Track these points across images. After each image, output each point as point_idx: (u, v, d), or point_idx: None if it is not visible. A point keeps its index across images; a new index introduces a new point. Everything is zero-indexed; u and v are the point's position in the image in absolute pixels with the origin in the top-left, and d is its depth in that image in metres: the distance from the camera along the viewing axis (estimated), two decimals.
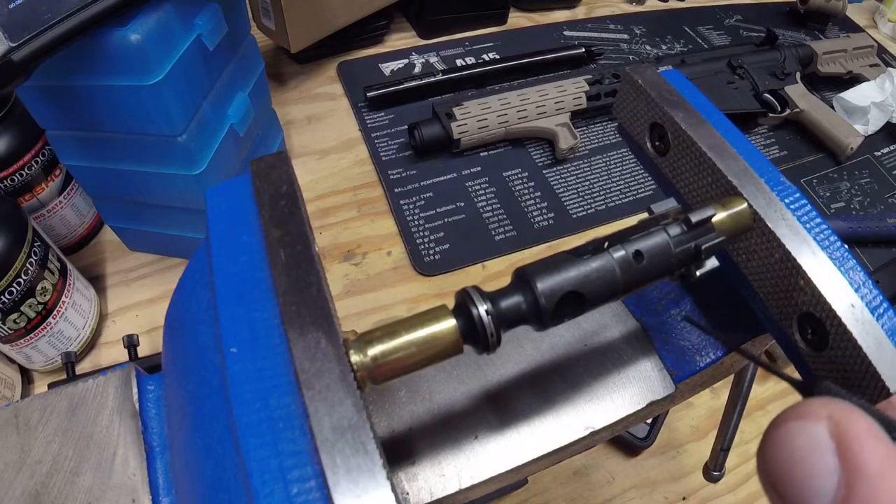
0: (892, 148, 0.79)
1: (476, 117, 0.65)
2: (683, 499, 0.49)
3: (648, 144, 0.26)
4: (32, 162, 0.47)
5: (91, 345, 0.50)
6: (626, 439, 0.49)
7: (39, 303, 0.43)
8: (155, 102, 0.39)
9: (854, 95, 0.79)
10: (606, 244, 0.19)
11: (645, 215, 0.21)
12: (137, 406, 0.23)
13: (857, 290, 0.20)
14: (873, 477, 0.10)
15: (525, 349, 0.27)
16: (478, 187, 0.65)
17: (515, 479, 0.25)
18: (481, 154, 0.69)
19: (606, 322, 0.28)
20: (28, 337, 0.44)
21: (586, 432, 0.25)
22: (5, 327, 0.42)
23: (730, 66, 0.76)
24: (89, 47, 0.36)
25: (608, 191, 0.68)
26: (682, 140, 0.24)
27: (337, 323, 0.16)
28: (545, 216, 0.64)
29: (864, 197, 0.72)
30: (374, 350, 0.17)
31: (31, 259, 0.42)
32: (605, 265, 0.18)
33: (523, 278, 0.18)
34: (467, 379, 0.25)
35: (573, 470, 0.49)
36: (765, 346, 0.28)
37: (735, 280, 0.24)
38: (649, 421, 0.50)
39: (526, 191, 0.66)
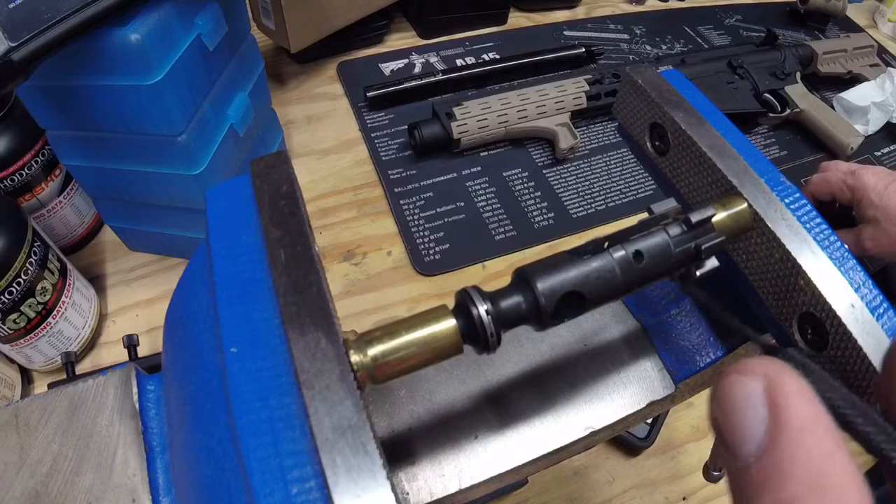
0: (892, 148, 0.79)
1: (476, 117, 0.65)
2: (683, 499, 0.49)
3: (648, 144, 0.26)
4: (32, 162, 0.47)
5: (91, 345, 0.50)
6: (626, 439, 0.49)
7: (39, 303, 0.43)
8: (155, 102, 0.39)
9: (854, 95, 0.79)
10: (606, 244, 0.19)
11: (645, 215, 0.21)
12: (137, 406, 0.23)
13: (857, 290, 0.20)
14: (794, 432, 0.11)
15: (525, 349, 0.27)
16: (478, 187, 0.65)
17: (515, 479, 0.25)
18: (481, 154, 0.69)
19: (606, 322, 0.28)
20: (28, 337, 0.44)
21: (586, 432, 0.25)
22: (5, 327, 0.42)
23: (730, 66, 0.76)
24: (89, 47, 0.36)
25: (608, 191, 0.68)
26: (682, 140, 0.24)
27: (337, 323, 0.16)
28: (545, 216, 0.64)
29: None
30: (374, 350, 0.17)
31: (31, 259, 0.42)
32: (605, 265, 0.18)
33: (523, 278, 0.18)
34: (467, 379, 0.25)
35: (573, 470, 0.49)
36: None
37: (735, 280, 0.24)
38: (649, 421, 0.50)
39: (526, 191, 0.66)
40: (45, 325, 0.45)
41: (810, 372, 0.14)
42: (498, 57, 0.80)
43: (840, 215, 0.53)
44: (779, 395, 0.12)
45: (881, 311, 0.19)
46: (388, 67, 0.78)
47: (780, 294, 0.21)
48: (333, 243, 0.59)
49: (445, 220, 0.62)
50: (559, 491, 0.47)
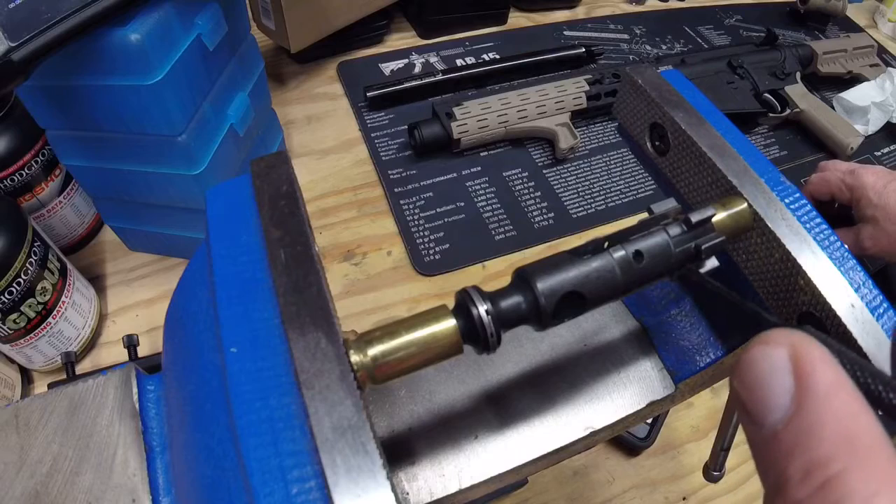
0: (892, 148, 0.79)
1: (476, 117, 0.65)
2: (683, 499, 0.49)
3: (648, 144, 0.26)
4: (32, 162, 0.47)
5: (91, 345, 0.50)
6: (626, 439, 0.49)
7: (39, 303, 0.43)
8: (155, 102, 0.39)
9: (854, 95, 0.79)
10: (606, 244, 0.19)
11: (645, 215, 0.21)
12: (137, 406, 0.23)
13: (856, 290, 0.20)
14: (820, 395, 0.11)
15: (525, 349, 0.27)
16: (478, 187, 0.65)
17: (515, 479, 0.25)
18: (481, 154, 0.69)
19: (606, 322, 0.28)
20: (28, 337, 0.44)
21: (586, 432, 0.25)
22: (5, 327, 0.42)
23: (730, 66, 0.76)
24: (89, 47, 0.36)
25: (608, 191, 0.68)
26: (682, 140, 0.24)
27: (337, 323, 0.16)
28: (545, 216, 0.64)
29: None
30: (374, 350, 0.17)
31: (30, 259, 0.42)
32: (605, 265, 0.18)
33: (523, 278, 0.18)
34: (467, 379, 0.25)
35: (573, 470, 0.49)
36: None
37: (735, 280, 0.24)
38: (649, 421, 0.50)
39: (526, 191, 0.66)
40: (45, 325, 0.45)
41: (830, 345, 0.14)
42: (498, 57, 0.80)
43: (839, 215, 0.53)
44: (804, 362, 0.12)
45: (881, 311, 0.19)
46: (388, 67, 0.78)
47: (780, 294, 0.21)
48: (333, 243, 0.59)
49: (445, 220, 0.62)
50: (559, 491, 0.47)
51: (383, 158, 0.67)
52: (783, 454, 0.11)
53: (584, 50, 0.80)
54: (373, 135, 0.69)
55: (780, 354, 0.12)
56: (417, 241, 0.60)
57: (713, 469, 0.32)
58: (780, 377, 0.12)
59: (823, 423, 0.11)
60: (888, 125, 0.79)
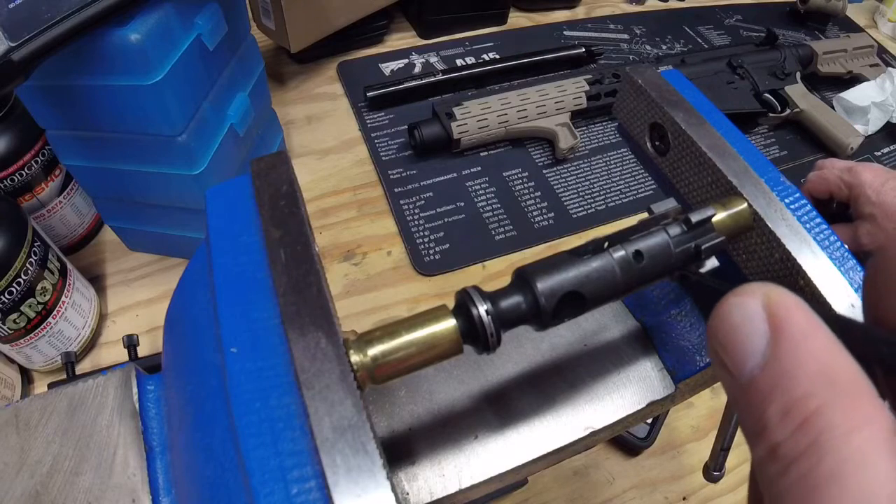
0: (892, 148, 0.79)
1: (476, 117, 0.65)
2: (683, 499, 0.49)
3: (648, 144, 0.26)
4: (32, 162, 0.47)
5: (91, 345, 0.50)
6: (626, 439, 0.49)
7: (39, 303, 0.43)
8: (155, 102, 0.39)
9: (854, 95, 0.79)
10: (606, 244, 0.19)
11: (645, 215, 0.21)
12: (137, 406, 0.23)
13: (857, 290, 0.20)
14: (796, 338, 0.11)
15: (525, 349, 0.27)
16: (478, 187, 0.65)
17: (515, 479, 0.25)
18: (481, 154, 0.69)
19: (606, 322, 0.28)
20: (28, 337, 0.44)
21: (586, 432, 0.25)
22: (5, 327, 0.42)
23: (730, 66, 0.76)
24: (89, 47, 0.36)
25: (608, 191, 0.68)
26: (682, 140, 0.24)
27: (337, 323, 0.16)
28: (545, 216, 0.64)
29: None
30: (374, 350, 0.17)
31: (30, 259, 0.42)
32: (605, 265, 0.18)
33: (523, 278, 0.18)
34: (467, 379, 0.25)
35: (573, 470, 0.49)
36: None
37: (735, 280, 0.24)
38: (649, 421, 0.50)
39: (526, 191, 0.66)
40: (45, 325, 0.45)
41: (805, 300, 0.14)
42: (498, 57, 0.80)
43: (837, 213, 0.53)
44: (778, 308, 0.12)
45: None
46: (388, 67, 0.78)
47: None
48: (333, 243, 0.59)
49: (445, 220, 0.62)
50: (559, 491, 0.47)
51: (383, 158, 0.67)
52: (761, 399, 0.11)
53: (584, 50, 0.80)
54: (373, 135, 0.69)
55: (753, 303, 0.12)
56: (417, 241, 0.60)
57: (713, 469, 0.32)
58: (754, 324, 0.12)
59: (800, 364, 0.11)
60: (888, 125, 0.79)
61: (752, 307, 0.12)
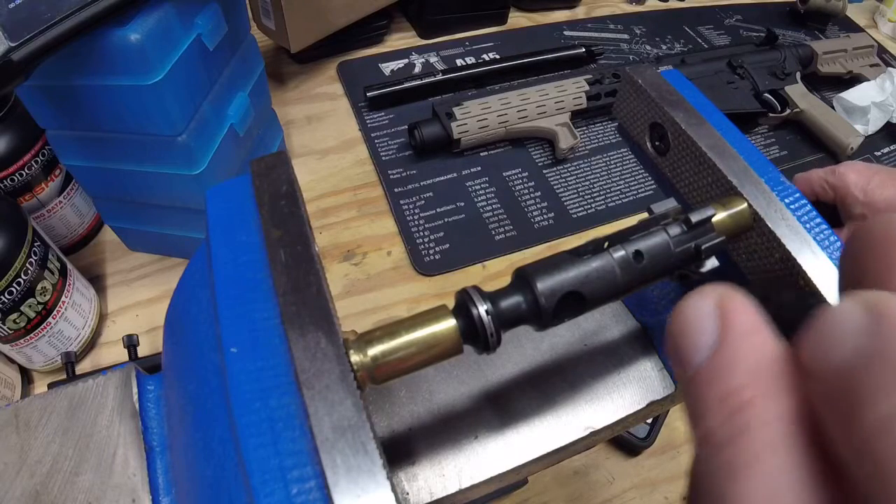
0: (892, 148, 0.79)
1: (476, 117, 0.65)
2: (683, 499, 0.49)
3: (648, 144, 0.26)
4: (32, 162, 0.47)
5: (91, 345, 0.50)
6: (626, 439, 0.49)
7: (39, 303, 0.43)
8: (155, 102, 0.39)
9: (854, 95, 0.79)
10: (606, 244, 0.19)
11: (645, 215, 0.21)
12: (137, 406, 0.23)
13: None
14: (740, 333, 0.12)
15: (525, 349, 0.27)
16: (478, 187, 0.65)
17: (515, 479, 0.25)
18: (481, 154, 0.69)
19: (606, 322, 0.28)
20: (28, 337, 0.44)
21: (586, 432, 0.25)
22: (5, 327, 0.42)
23: (730, 66, 0.76)
24: (89, 47, 0.36)
25: (608, 191, 0.68)
26: (682, 140, 0.24)
27: (337, 323, 0.16)
28: (545, 216, 0.64)
29: None
30: (374, 350, 0.17)
31: (31, 259, 0.42)
32: (605, 265, 0.18)
33: (523, 278, 0.18)
34: (467, 379, 0.25)
35: (573, 470, 0.49)
36: None
37: (735, 280, 0.24)
38: (649, 421, 0.50)
39: (526, 191, 0.66)
40: (45, 325, 0.45)
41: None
42: (498, 57, 0.80)
43: (826, 215, 0.53)
44: (728, 306, 0.13)
45: None
46: (388, 67, 0.78)
47: None
48: (333, 243, 0.59)
49: (445, 220, 0.62)
50: (559, 491, 0.47)
51: (383, 158, 0.67)
52: (703, 386, 0.12)
53: (584, 50, 0.80)
54: (373, 135, 0.69)
55: (707, 302, 0.13)
56: (417, 241, 0.60)
57: None
58: (705, 321, 0.13)
59: (741, 357, 0.12)
60: (888, 125, 0.79)
61: (705, 306, 0.13)
